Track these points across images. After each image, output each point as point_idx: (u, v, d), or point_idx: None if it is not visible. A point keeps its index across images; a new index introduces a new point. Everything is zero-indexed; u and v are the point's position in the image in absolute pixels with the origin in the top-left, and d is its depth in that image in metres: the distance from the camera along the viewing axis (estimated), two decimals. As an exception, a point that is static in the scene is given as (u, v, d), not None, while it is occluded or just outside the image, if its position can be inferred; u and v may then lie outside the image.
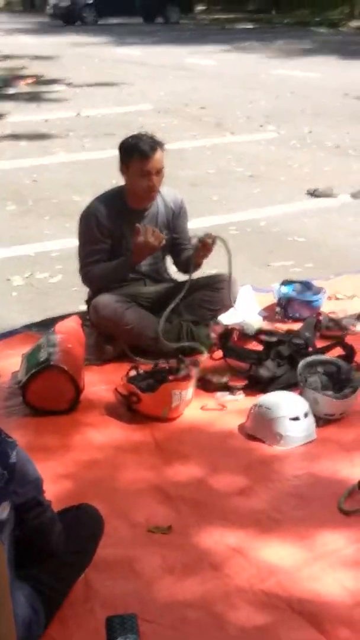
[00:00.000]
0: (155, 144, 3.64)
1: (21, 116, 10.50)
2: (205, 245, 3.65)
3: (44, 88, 13.14)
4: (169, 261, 4.01)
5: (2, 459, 1.93)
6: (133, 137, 3.72)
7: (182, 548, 2.49)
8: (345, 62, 15.37)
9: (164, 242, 3.67)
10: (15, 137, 9.19)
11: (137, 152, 3.60)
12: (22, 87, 13.39)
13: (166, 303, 3.81)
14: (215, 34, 23.16)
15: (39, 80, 14.05)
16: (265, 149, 8.20)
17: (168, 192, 3.83)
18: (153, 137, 3.73)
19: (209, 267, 4.09)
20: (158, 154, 3.62)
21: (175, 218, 3.87)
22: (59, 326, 3.57)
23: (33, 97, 12.14)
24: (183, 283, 3.94)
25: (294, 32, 22.95)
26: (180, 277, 4.14)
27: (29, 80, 14.03)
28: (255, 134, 8.95)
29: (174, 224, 3.88)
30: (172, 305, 3.66)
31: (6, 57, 18.19)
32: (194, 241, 3.69)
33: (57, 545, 2.16)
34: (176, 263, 4.00)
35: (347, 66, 14.67)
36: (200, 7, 32.85)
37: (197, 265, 3.80)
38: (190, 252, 3.81)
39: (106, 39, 22.42)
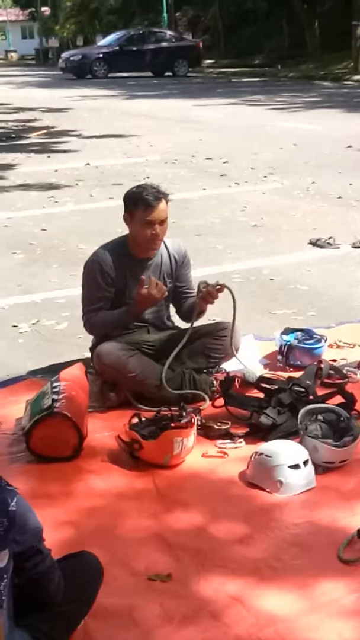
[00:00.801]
0: (159, 195, 3.71)
1: (32, 167, 10.70)
2: (210, 292, 3.70)
3: (54, 139, 13.39)
4: (172, 309, 4.06)
5: (2, 507, 1.95)
6: (138, 187, 3.80)
7: (182, 596, 2.49)
8: (349, 114, 15.61)
9: (166, 294, 3.73)
10: (26, 187, 9.35)
11: (141, 202, 3.67)
12: (34, 138, 13.65)
13: (169, 350, 3.85)
14: (222, 87, 23.63)
15: (50, 132, 14.33)
16: (269, 199, 8.32)
17: (172, 242, 3.90)
18: (158, 187, 3.81)
19: (212, 314, 4.15)
20: (162, 205, 3.70)
21: (179, 268, 3.94)
22: (63, 373, 3.61)
23: (44, 149, 12.37)
24: (186, 330, 3.99)
25: (299, 85, 23.40)
26: (184, 324, 4.20)
27: (40, 132, 14.30)
28: (259, 184, 9.08)
29: (178, 273, 3.94)
30: (174, 353, 3.70)
31: (19, 109, 18.58)
32: (201, 286, 3.73)
33: (56, 594, 2.16)
34: (179, 311, 4.05)
35: (351, 119, 14.90)
36: (208, 61, 33.52)
37: (201, 312, 3.85)
38: (194, 301, 3.87)
39: (116, 92, 22.89)
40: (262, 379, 3.72)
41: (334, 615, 2.39)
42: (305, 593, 2.48)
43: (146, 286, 3.63)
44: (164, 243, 3.84)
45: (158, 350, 3.84)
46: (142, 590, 2.52)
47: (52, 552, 2.17)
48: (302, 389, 3.57)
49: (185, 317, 4.01)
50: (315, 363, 3.92)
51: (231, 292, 3.73)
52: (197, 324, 3.82)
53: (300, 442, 3.17)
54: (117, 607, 2.44)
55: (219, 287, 3.69)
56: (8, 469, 3.19)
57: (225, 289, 3.71)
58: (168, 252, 3.88)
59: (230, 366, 3.88)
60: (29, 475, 3.19)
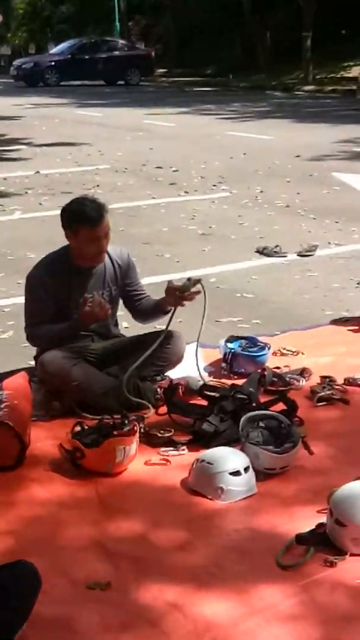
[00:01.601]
0: (101, 210, 3.70)
1: (-20, 175, 10.61)
2: (187, 297, 3.71)
3: (4, 147, 13.30)
4: (121, 316, 4.06)
5: None
6: (77, 202, 3.76)
7: (121, 605, 2.48)
8: (299, 124, 15.81)
9: (110, 312, 3.74)
10: (-27, 195, 9.27)
11: (85, 220, 3.66)
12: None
13: (114, 359, 3.87)
14: (174, 97, 23.72)
15: (0, 140, 14.23)
16: (217, 207, 8.37)
17: (113, 249, 3.91)
18: (95, 200, 3.80)
19: (157, 322, 4.15)
20: (105, 219, 3.70)
21: (124, 273, 3.95)
22: (6, 382, 3.59)
23: (-7, 157, 12.29)
24: (134, 337, 4.01)
25: (250, 95, 23.61)
26: (129, 332, 4.21)
27: (-12, 140, 14.20)
28: (208, 193, 9.14)
29: (124, 278, 3.94)
30: (140, 360, 3.69)
31: (-32, 117, 18.42)
32: (180, 290, 3.71)
33: (-9, 603, 2.16)
34: (136, 314, 4.05)
35: (300, 129, 15.10)
36: (160, 70, 33.63)
37: (166, 313, 3.84)
38: (151, 301, 3.89)
39: (67, 100, 22.84)
40: (205, 386, 3.74)
41: (271, 620, 2.41)
42: (243, 599, 2.50)
43: (89, 304, 3.63)
44: (106, 252, 3.85)
45: (102, 359, 3.84)
46: (81, 598, 2.51)
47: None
48: (245, 396, 3.59)
49: (143, 318, 4.02)
50: (258, 371, 3.95)
51: (204, 292, 3.75)
52: (139, 332, 3.83)
53: (242, 449, 3.20)
54: (56, 616, 2.42)
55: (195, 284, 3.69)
56: None
57: (200, 287, 3.72)
58: (111, 259, 3.89)
59: (174, 374, 3.90)
60: (-30, 485, 3.16)
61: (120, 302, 4.05)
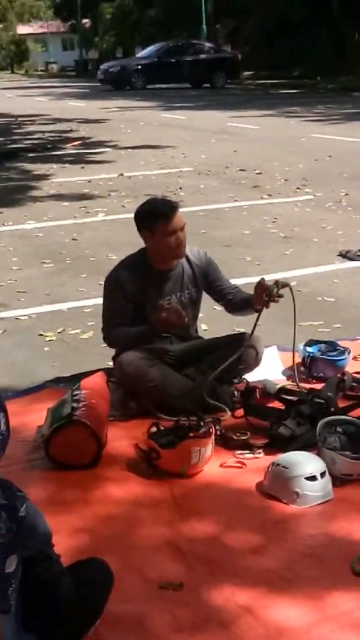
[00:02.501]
0: (173, 204, 3.81)
1: (66, 177, 10.81)
2: (273, 299, 3.68)
3: (90, 150, 13.52)
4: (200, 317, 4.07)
5: (12, 512, 1.98)
6: (148, 203, 3.85)
7: (192, 605, 2.49)
8: (387, 126, 15.53)
9: (186, 319, 3.76)
10: (58, 197, 9.46)
11: (160, 216, 3.73)
12: (69, 149, 13.80)
13: (191, 360, 3.88)
14: (259, 99, 23.67)
15: (86, 143, 14.48)
16: (300, 210, 8.30)
17: (190, 251, 3.93)
18: (165, 197, 3.88)
19: (235, 324, 4.15)
20: (178, 212, 3.77)
21: (204, 273, 3.95)
22: (85, 382, 3.64)
23: (78, 159, 12.51)
24: (212, 340, 4.01)
25: (337, 97, 23.33)
26: (207, 335, 4.22)
27: (76, 143, 14.45)
28: (291, 196, 9.08)
29: (206, 277, 3.96)
30: (225, 365, 3.70)
31: (56, 120, 18.80)
32: (268, 292, 3.68)
33: (65, 599, 2.18)
34: (227, 306, 4.04)
35: (388, 130, 14.82)
36: (247, 73, 33.58)
37: (254, 310, 3.83)
38: (243, 295, 3.91)
39: (153, 103, 23.04)
40: (282, 390, 3.72)
41: (345, 627, 2.37)
42: (316, 605, 2.47)
43: (165, 311, 3.68)
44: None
45: (180, 360, 3.86)
46: (154, 598, 2.53)
47: (66, 558, 2.20)
48: (323, 401, 3.55)
49: (236, 311, 4.00)
50: (338, 375, 3.90)
51: (292, 294, 3.77)
52: (217, 334, 3.83)
53: (319, 454, 3.16)
54: (128, 614, 2.45)
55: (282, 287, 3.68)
56: (27, 475, 3.23)
57: (288, 290, 3.72)
58: (189, 261, 3.91)
59: (251, 377, 3.89)
60: (48, 482, 3.22)
61: (206, 300, 4.04)
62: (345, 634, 2.35)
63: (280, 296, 3.70)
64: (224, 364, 3.70)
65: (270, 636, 2.34)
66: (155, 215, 3.74)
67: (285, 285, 3.73)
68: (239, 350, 3.76)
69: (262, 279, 3.79)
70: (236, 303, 3.97)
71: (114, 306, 3.85)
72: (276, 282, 3.73)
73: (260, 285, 3.75)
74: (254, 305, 3.82)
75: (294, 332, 3.85)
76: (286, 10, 33.98)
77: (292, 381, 3.97)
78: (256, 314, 3.78)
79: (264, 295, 3.69)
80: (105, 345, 4.08)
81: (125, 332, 3.83)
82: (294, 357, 3.91)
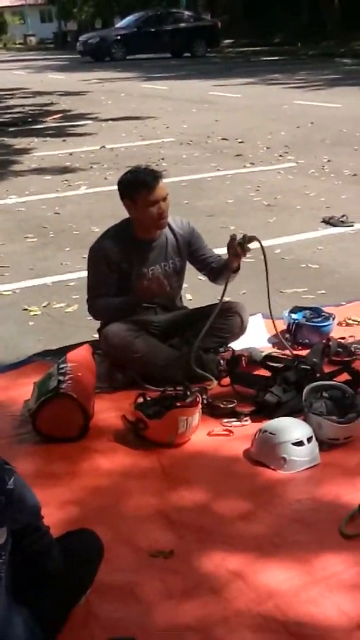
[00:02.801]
0: (156, 173, 3.76)
1: (47, 151, 10.72)
2: (242, 250, 3.70)
3: (70, 123, 13.39)
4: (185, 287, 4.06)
5: (0, 485, 1.98)
6: (131, 172, 3.81)
7: (183, 573, 2.51)
8: (368, 91, 15.45)
9: (168, 289, 3.76)
10: (40, 170, 9.38)
11: (142, 185, 3.69)
12: (50, 122, 13.66)
13: (176, 330, 3.88)
14: (240, 67, 23.48)
15: (66, 116, 14.34)
16: (283, 178, 8.27)
17: (174, 220, 3.91)
18: (148, 167, 3.85)
19: (218, 293, 4.12)
20: (161, 182, 3.74)
21: (187, 242, 3.94)
22: (71, 355, 3.63)
23: (60, 132, 12.39)
24: (197, 309, 4.01)
25: (318, 63, 23.17)
26: (192, 305, 4.21)
27: (57, 116, 14.31)
28: (274, 164, 9.03)
29: (190, 246, 3.95)
30: (202, 333, 3.69)
31: (36, 93, 18.60)
32: (232, 244, 3.72)
33: (55, 570, 2.19)
34: (209, 275, 4.04)
35: (370, 96, 14.75)
36: (227, 41, 33.26)
37: (235, 271, 3.84)
38: (222, 261, 3.90)
39: (133, 74, 22.82)
40: (268, 357, 3.72)
41: (333, 589, 2.40)
42: (305, 568, 2.49)
43: (148, 279, 3.68)
44: (167, 223, 3.85)
45: (165, 331, 3.86)
46: (144, 567, 2.54)
47: (56, 530, 2.20)
48: (309, 367, 3.56)
49: (217, 277, 3.99)
50: (323, 341, 3.91)
51: (262, 247, 3.78)
52: (202, 303, 3.82)
53: (305, 419, 3.17)
54: (119, 583, 2.46)
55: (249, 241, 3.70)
56: (15, 449, 3.23)
57: (256, 242, 3.74)
58: (172, 230, 3.90)
59: (237, 345, 3.89)
60: (36, 456, 3.23)
61: (190, 270, 4.04)
62: (333, 596, 2.37)
63: (248, 249, 3.72)
64: (200, 334, 3.69)
65: (261, 600, 2.37)
66: (138, 185, 3.71)
67: (251, 238, 3.75)
68: (216, 307, 3.75)
69: (233, 234, 3.79)
70: (216, 268, 3.97)
71: (98, 277, 3.83)
72: (244, 236, 3.75)
73: (232, 241, 3.75)
74: (229, 263, 3.82)
75: (267, 284, 3.85)
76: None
77: (277, 348, 3.97)
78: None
79: (237, 247, 3.71)
80: (91, 317, 4.07)
81: (109, 302, 3.82)
82: (269, 301, 3.89)
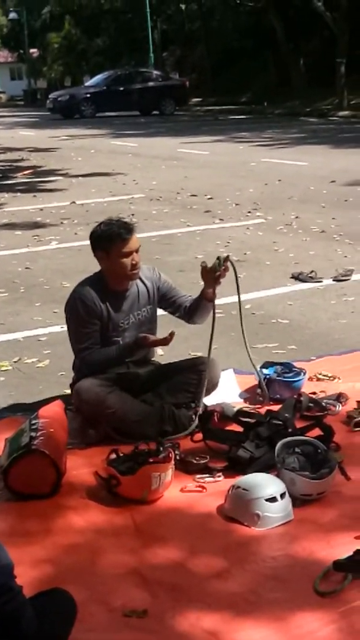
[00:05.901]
0: (129, 225, 3.85)
1: (17, 206, 10.79)
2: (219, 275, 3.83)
3: (41, 179, 13.51)
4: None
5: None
6: (104, 224, 3.87)
7: (157, 632, 2.48)
8: (334, 150, 15.81)
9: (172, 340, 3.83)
10: (11, 226, 9.43)
11: (116, 237, 3.77)
12: (20, 178, 13.77)
13: (149, 386, 3.89)
14: (209, 125, 23.92)
15: (37, 172, 14.46)
16: (252, 234, 8.39)
17: (140, 269, 3.94)
18: (121, 219, 3.93)
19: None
20: (134, 234, 3.83)
21: (156, 287, 4.01)
22: (42, 410, 3.62)
23: (30, 188, 12.49)
24: (169, 364, 4.03)
25: (285, 122, 23.70)
26: (162, 359, 4.23)
27: (27, 172, 14.43)
28: (243, 220, 9.17)
29: (159, 291, 4.02)
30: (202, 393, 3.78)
31: (6, 149, 18.77)
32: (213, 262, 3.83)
33: (28, 631, 2.15)
34: (184, 316, 4.07)
35: (335, 154, 15.08)
36: (195, 100, 33.93)
37: (209, 299, 3.92)
38: (194, 298, 3.99)
39: (103, 131, 23.15)
40: (240, 412, 3.74)
41: (309, 648, 2.38)
42: (281, 626, 2.48)
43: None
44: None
45: (137, 386, 3.86)
46: (118, 626, 2.51)
47: (29, 589, 2.17)
48: (281, 422, 3.58)
49: (194, 316, 4.03)
50: (294, 396, 3.94)
51: (233, 267, 3.93)
52: (173, 359, 3.85)
53: (278, 475, 3.18)
54: (93, 644, 2.43)
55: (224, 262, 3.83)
56: (-13, 507, 3.19)
57: (230, 265, 3.88)
58: (142, 280, 3.95)
59: (209, 400, 3.90)
60: (7, 513, 3.19)
61: (162, 326, 4.07)
62: (310, 654, 2.36)
63: (227, 268, 3.85)
64: (200, 393, 3.77)
65: (236, 660, 2.34)
66: (112, 236, 3.77)
67: (226, 258, 3.88)
68: (202, 376, 3.82)
69: (203, 262, 3.88)
70: (191, 306, 4.01)
71: (81, 327, 3.83)
72: (218, 258, 3.86)
73: (204, 269, 3.84)
74: (205, 293, 3.88)
75: (239, 307, 4.01)
76: (233, 38, 34.54)
77: (249, 403, 3.99)
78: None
79: (211, 274, 3.82)
80: (62, 373, 4.07)
81: (104, 353, 3.83)
82: (242, 322, 4.02)
